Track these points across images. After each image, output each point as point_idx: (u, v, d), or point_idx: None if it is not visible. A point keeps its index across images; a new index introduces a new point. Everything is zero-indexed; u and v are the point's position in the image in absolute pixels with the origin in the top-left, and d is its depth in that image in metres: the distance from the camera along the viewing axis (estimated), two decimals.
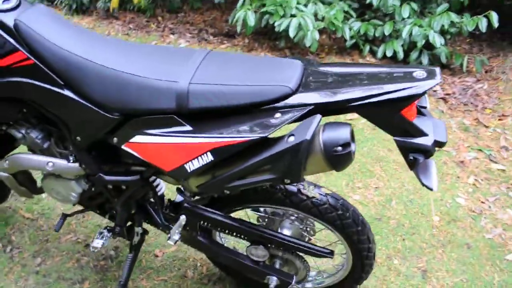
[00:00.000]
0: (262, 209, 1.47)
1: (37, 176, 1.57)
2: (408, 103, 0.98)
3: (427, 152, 1.01)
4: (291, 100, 1.02)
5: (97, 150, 1.29)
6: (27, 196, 1.56)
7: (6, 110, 1.26)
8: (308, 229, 1.47)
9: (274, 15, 3.40)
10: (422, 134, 1.01)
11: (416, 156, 1.01)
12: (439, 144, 1.02)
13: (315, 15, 3.42)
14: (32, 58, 1.13)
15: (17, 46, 1.13)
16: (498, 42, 3.89)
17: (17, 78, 1.15)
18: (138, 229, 1.51)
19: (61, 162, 1.33)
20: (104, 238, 1.48)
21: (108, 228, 1.50)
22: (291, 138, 0.98)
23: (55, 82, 1.15)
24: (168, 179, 1.29)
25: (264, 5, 3.46)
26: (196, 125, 1.07)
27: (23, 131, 1.34)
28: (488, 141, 2.77)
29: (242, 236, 1.40)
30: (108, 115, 1.15)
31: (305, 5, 3.44)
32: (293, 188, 1.32)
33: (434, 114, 3.02)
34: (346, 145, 0.97)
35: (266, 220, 1.47)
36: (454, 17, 3.25)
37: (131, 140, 1.15)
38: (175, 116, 1.08)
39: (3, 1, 1.15)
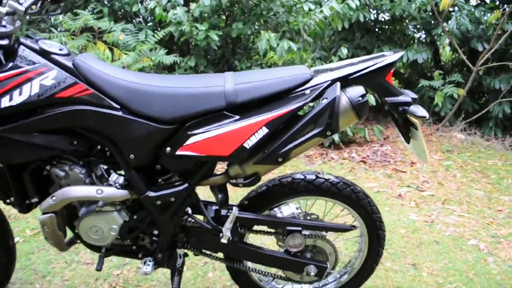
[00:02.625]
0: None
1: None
2: (389, 70, 1.43)
3: (409, 104, 1.44)
4: (312, 82, 1.40)
5: (142, 170, 1.46)
6: (59, 246, 1.54)
7: (60, 142, 1.38)
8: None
9: None
10: (401, 93, 1.47)
11: (403, 107, 1.44)
12: (413, 99, 1.47)
13: None
14: (91, 88, 1.36)
15: (77, 80, 1.36)
16: (382, 118, 4.85)
17: (77, 106, 1.34)
18: (180, 251, 1.60)
19: (110, 188, 1.45)
20: (150, 265, 1.53)
21: (149, 259, 1.56)
22: (324, 100, 1.35)
23: (111, 107, 1.37)
24: (217, 180, 1.50)
25: None
26: (244, 113, 1.37)
27: (67, 168, 1.46)
28: (410, 180, 3.36)
29: (278, 230, 1.61)
30: (163, 126, 1.38)
31: None
32: (311, 176, 1.62)
33: (359, 172, 3.59)
34: (363, 95, 1.37)
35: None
36: None
37: (186, 144, 1.38)
38: (225, 112, 1.38)
39: (60, 49, 1.40)
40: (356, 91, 1.38)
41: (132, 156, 1.41)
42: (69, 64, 1.37)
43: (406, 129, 1.51)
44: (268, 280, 1.84)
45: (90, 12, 3.80)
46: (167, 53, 3.92)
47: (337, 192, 1.62)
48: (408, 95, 1.46)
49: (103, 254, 1.60)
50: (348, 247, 2.30)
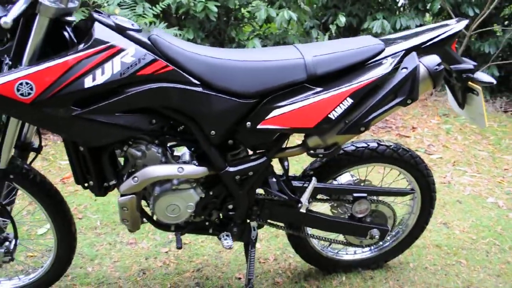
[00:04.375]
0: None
1: None
2: (454, 38, 1.51)
3: (472, 70, 1.53)
4: (387, 52, 1.46)
5: (219, 147, 1.48)
6: (135, 227, 1.55)
7: (140, 121, 1.36)
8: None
9: None
10: (464, 61, 1.55)
11: (467, 74, 1.53)
12: (475, 66, 1.56)
13: None
14: (171, 65, 1.34)
15: (156, 56, 1.33)
16: None
17: (159, 84, 1.32)
18: (253, 224, 1.65)
19: (190, 166, 1.46)
20: (230, 239, 1.58)
21: (226, 233, 1.60)
22: (404, 70, 1.40)
23: (192, 83, 1.36)
24: (295, 151, 1.54)
25: None
26: (326, 85, 1.41)
27: (144, 148, 1.46)
28: (416, 144, 3.52)
29: (346, 198, 1.69)
30: (244, 101, 1.39)
31: None
32: (374, 143, 1.69)
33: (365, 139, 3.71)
34: (440, 64, 1.44)
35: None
36: None
37: (267, 117, 1.40)
38: (306, 84, 1.41)
39: (132, 25, 1.36)
40: (433, 59, 1.44)
41: (213, 132, 1.42)
42: (146, 40, 1.34)
43: (464, 95, 1.59)
44: (325, 246, 1.93)
45: None
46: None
47: (398, 157, 1.70)
48: (470, 63, 1.54)
49: (180, 233, 1.62)
50: None
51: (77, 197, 2.56)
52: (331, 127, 1.43)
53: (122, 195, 1.48)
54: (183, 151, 1.60)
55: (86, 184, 1.48)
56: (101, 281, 1.91)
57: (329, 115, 1.40)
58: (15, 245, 1.63)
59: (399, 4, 4.75)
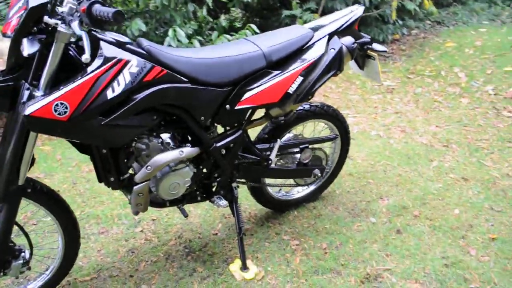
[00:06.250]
0: None
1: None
2: (357, 20, 2.18)
3: (370, 42, 2.22)
4: (315, 37, 2.05)
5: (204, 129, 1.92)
6: (145, 209, 1.90)
7: (146, 119, 1.71)
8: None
9: None
10: (363, 36, 2.23)
11: (367, 45, 2.22)
12: (371, 39, 2.25)
13: None
14: (165, 69, 1.72)
15: (153, 64, 1.69)
16: None
17: (159, 86, 1.68)
18: (234, 185, 2.14)
19: (186, 148, 1.88)
20: (222, 200, 2.05)
21: (218, 196, 2.07)
22: (332, 50, 2.01)
23: (182, 81, 1.75)
24: (261, 122, 2.05)
25: None
26: (280, 68, 1.94)
27: (147, 141, 1.82)
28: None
29: (293, 149, 2.29)
30: (222, 89, 1.85)
31: None
32: (307, 105, 2.31)
33: None
34: (354, 42, 2.08)
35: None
36: None
37: (242, 99, 1.89)
38: (267, 69, 1.92)
39: (123, 39, 1.67)
40: (349, 39, 2.09)
41: (202, 118, 1.86)
42: (142, 50, 1.69)
43: (363, 60, 2.30)
44: (278, 190, 2.54)
45: None
46: None
47: (325, 113, 2.36)
48: (367, 37, 2.24)
49: (181, 205, 2.04)
50: None
51: None
52: (289, 99, 1.99)
53: (136, 184, 1.83)
54: (165, 138, 1.99)
55: (107, 182, 1.79)
56: (99, 269, 2.21)
57: (288, 91, 1.95)
58: (31, 254, 1.85)
59: None
